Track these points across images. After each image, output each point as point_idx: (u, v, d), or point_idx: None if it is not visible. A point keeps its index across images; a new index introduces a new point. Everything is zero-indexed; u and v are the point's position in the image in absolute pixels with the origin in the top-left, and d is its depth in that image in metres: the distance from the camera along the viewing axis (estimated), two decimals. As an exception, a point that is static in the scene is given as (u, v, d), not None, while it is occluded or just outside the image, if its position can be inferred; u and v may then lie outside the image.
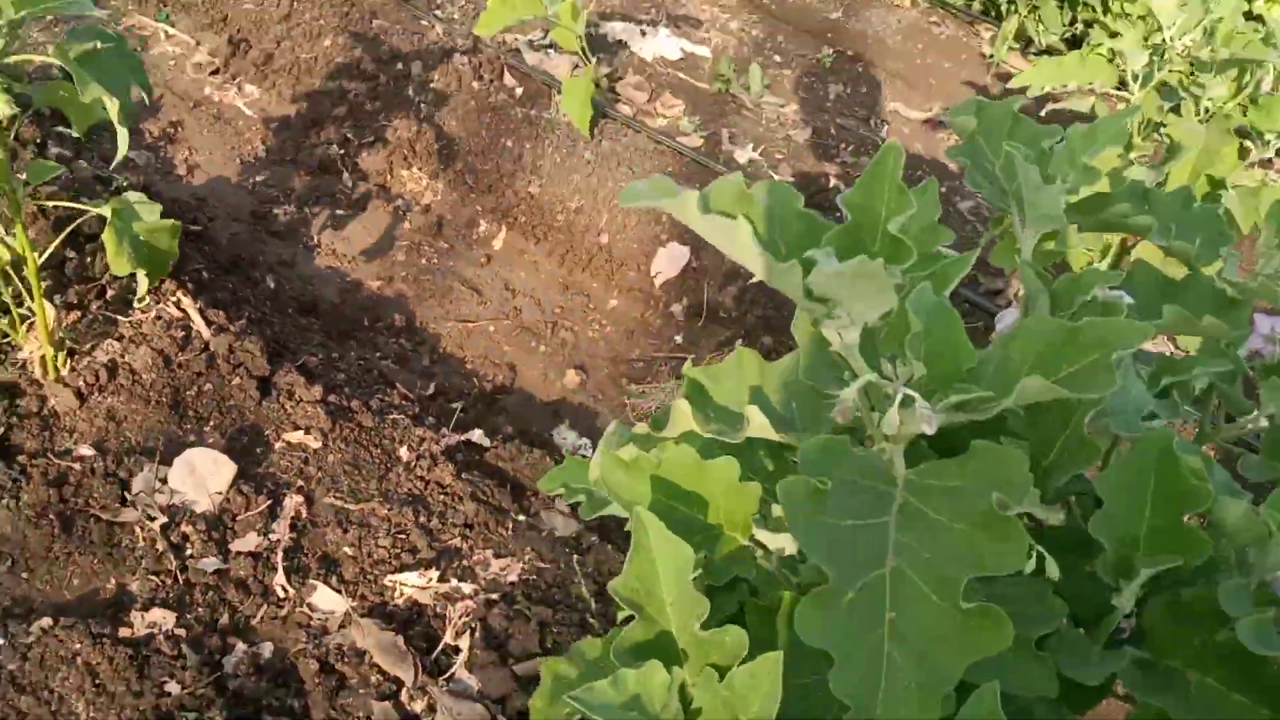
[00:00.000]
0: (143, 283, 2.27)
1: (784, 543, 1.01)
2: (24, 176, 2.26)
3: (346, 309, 3.31)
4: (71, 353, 2.44)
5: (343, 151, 3.85)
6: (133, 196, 2.42)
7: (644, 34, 4.64)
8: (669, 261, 3.47)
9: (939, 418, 0.82)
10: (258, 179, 3.75)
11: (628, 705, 0.82)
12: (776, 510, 1.02)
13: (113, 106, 1.98)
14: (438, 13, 4.42)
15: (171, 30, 4.27)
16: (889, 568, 0.77)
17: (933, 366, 0.84)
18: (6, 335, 2.44)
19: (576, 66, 4.13)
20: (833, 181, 4.05)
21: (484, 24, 3.72)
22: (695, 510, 0.98)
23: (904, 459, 0.86)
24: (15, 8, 1.89)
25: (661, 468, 0.99)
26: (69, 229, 2.39)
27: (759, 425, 0.98)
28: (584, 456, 3.03)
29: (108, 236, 2.14)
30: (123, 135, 2.04)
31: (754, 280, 3.39)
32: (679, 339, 3.39)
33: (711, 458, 1.08)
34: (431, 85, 3.98)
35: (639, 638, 0.89)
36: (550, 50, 4.35)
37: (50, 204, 2.52)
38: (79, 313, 2.55)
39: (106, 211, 2.18)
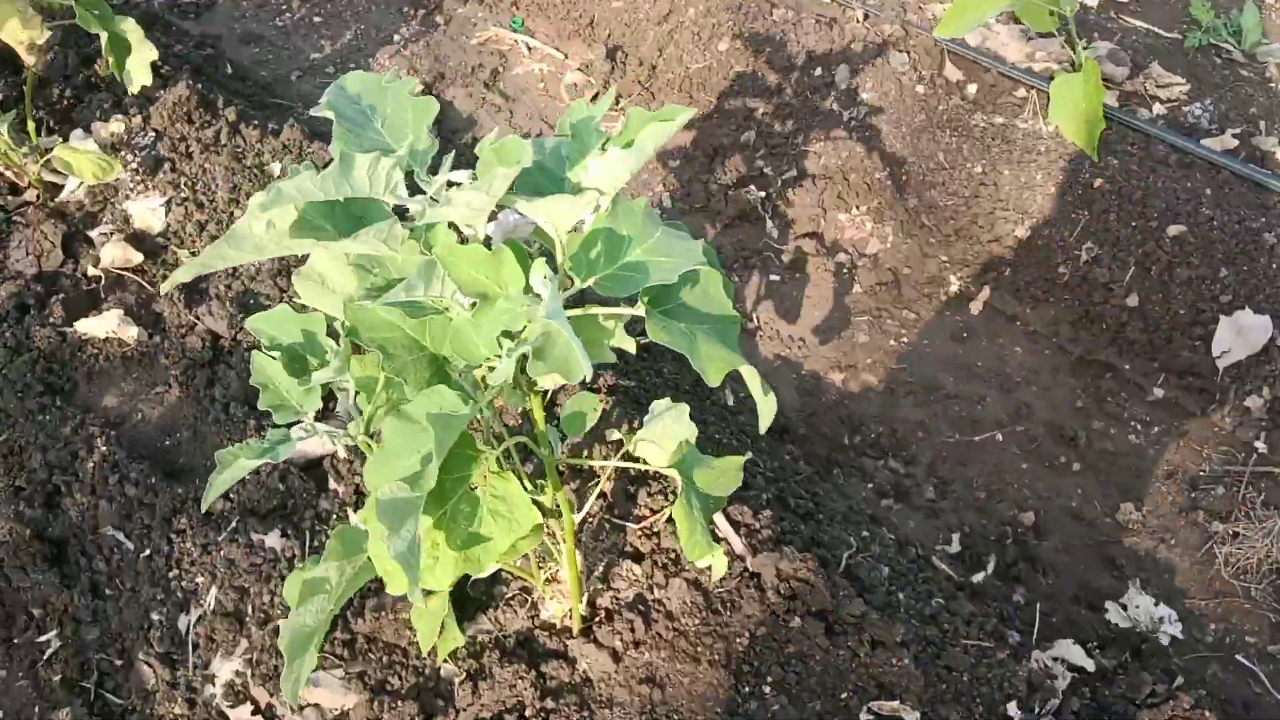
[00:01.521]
0: (721, 564, 1.68)
1: None
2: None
3: (819, 421, 2.68)
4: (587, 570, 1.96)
5: (763, 194, 3.17)
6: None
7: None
8: (1238, 336, 2.60)
9: None
10: (669, 237, 3.14)
11: None
12: None
13: (767, 401, 1.37)
14: (837, -16, 3.59)
15: (534, 43, 3.69)
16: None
17: None
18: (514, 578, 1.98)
19: (1065, 62, 3.20)
20: None
21: (950, 24, 2.85)
22: None
23: None
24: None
25: None
26: (602, 481, 1.86)
27: None
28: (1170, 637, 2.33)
29: (680, 514, 1.57)
30: (769, 406, 1.42)
31: None
32: (1262, 446, 2.55)
33: None
34: (860, 95, 3.20)
35: None
36: (993, 24, 3.43)
37: (584, 463, 2.00)
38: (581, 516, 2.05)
39: (674, 475, 1.61)
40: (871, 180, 3.10)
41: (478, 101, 3.54)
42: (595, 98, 3.52)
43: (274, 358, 1.52)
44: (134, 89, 2.64)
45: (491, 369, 1.36)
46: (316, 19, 3.79)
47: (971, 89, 3.16)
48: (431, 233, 1.40)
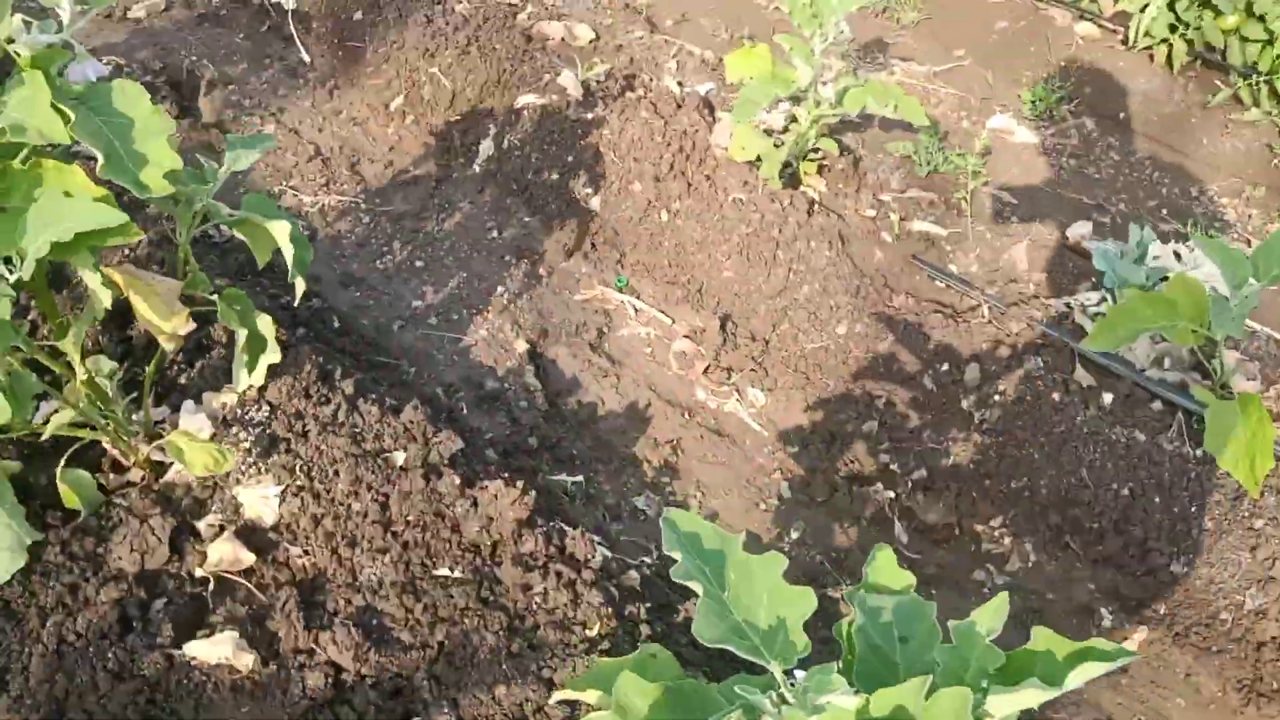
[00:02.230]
0: None
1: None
2: None
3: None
4: None
5: (891, 494, 3.02)
6: None
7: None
8: None
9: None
10: (791, 536, 2.97)
11: None
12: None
13: None
14: (953, 266, 3.55)
15: (640, 305, 3.61)
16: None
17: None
18: None
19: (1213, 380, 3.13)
20: None
21: (1099, 338, 2.77)
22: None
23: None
24: None
25: None
26: None
27: None
28: None
29: None
30: None
31: None
32: None
33: None
34: (993, 397, 3.09)
35: None
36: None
37: None
38: None
39: None
40: (1008, 490, 2.96)
41: (583, 362, 3.42)
42: (706, 370, 3.41)
43: None
44: (256, 381, 2.51)
45: None
46: (418, 264, 3.71)
47: (1107, 398, 3.06)
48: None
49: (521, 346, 3.42)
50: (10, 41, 1.89)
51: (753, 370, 3.39)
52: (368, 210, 3.89)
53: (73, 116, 1.70)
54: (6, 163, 1.76)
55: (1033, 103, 4.43)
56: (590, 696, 1.56)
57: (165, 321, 2.24)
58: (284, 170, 3.99)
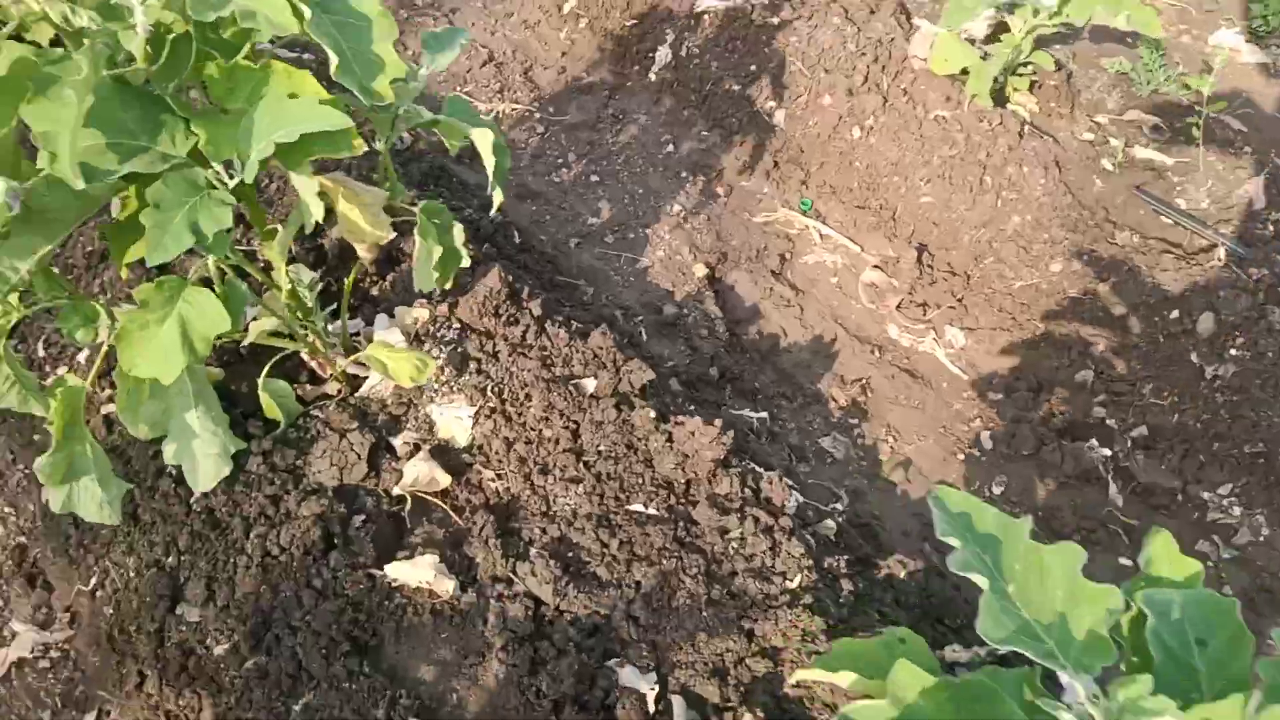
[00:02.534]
0: None
1: None
2: None
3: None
4: None
5: (1107, 451, 2.78)
6: None
7: None
8: None
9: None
10: (993, 490, 2.77)
11: None
12: None
13: None
14: (1180, 200, 3.21)
15: (826, 230, 3.39)
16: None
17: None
18: None
19: None
20: None
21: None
22: None
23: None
24: None
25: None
26: None
27: None
28: None
29: None
30: None
31: None
32: None
33: None
34: (1228, 350, 2.80)
35: None
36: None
37: None
38: None
39: None
40: (1240, 455, 2.68)
41: (763, 290, 3.24)
42: (899, 305, 3.19)
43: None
44: (440, 286, 2.39)
45: None
46: (593, 178, 3.56)
47: (1362, 359, 2.73)
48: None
49: (700, 270, 3.26)
50: (231, -68, 1.78)
51: (952, 308, 3.16)
52: (542, 119, 3.75)
53: (307, 13, 1.58)
54: (234, 60, 1.67)
55: (1264, 17, 3.96)
56: (843, 679, 1.42)
57: (371, 231, 2.16)
58: (458, 75, 3.87)
